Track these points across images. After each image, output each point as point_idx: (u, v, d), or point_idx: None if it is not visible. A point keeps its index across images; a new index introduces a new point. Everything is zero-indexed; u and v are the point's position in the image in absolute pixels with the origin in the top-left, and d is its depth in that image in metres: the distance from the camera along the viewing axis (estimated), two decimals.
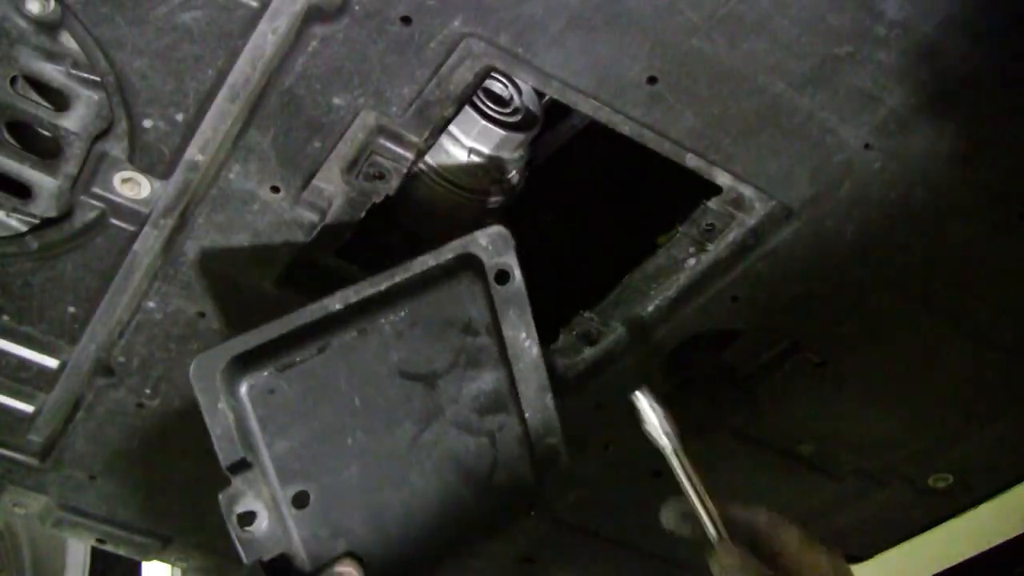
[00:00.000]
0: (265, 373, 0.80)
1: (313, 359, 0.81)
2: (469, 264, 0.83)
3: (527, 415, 0.87)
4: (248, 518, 0.81)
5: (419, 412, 0.86)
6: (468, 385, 0.87)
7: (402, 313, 0.83)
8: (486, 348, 0.86)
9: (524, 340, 0.85)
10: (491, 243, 0.83)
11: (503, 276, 0.83)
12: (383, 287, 0.81)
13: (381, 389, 0.84)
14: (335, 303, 0.80)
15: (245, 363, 0.79)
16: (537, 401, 0.87)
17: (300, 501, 0.83)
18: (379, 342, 0.83)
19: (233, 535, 0.81)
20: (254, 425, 0.81)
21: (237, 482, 0.80)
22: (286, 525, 0.83)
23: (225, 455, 0.79)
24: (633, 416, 0.86)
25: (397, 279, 0.81)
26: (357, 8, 0.72)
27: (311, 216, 0.90)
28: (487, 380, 0.87)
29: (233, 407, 0.79)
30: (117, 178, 0.86)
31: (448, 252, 0.81)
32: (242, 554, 0.82)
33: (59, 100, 0.82)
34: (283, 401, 0.81)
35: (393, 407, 0.85)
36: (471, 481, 0.87)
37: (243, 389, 0.80)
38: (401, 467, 0.86)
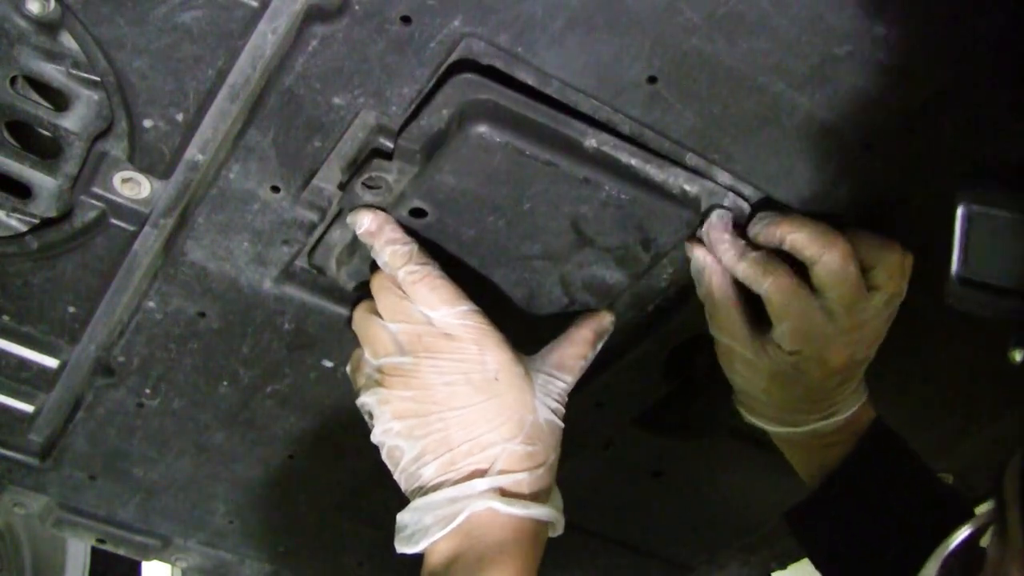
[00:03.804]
0: (497, 138, 0.78)
1: (534, 161, 0.80)
2: (690, 205, 0.85)
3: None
4: (375, 181, 0.83)
5: (554, 248, 0.88)
6: (599, 266, 0.90)
7: (622, 195, 0.83)
8: (639, 261, 0.90)
9: (664, 279, 0.94)
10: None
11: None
12: (633, 163, 0.82)
13: (545, 217, 0.85)
14: (592, 140, 0.80)
15: (499, 115, 0.78)
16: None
17: (417, 214, 0.85)
18: (586, 195, 0.83)
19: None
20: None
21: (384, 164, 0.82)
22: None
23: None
24: None
25: (650, 172, 0.83)
26: (357, 8, 0.72)
27: (311, 216, 0.90)
28: (613, 276, 0.91)
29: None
30: (117, 178, 0.86)
31: (691, 186, 0.84)
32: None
33: (59, 100, 0.82)
34: (475, 166, 0.80)
35: (541, 224, 0.86)
36: (527, 313, 0.95)
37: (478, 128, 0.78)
38: (492, 265, 0.90)
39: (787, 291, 0.85)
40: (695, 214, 0.86)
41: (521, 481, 0.82)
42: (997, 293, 0.67)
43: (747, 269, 0.86)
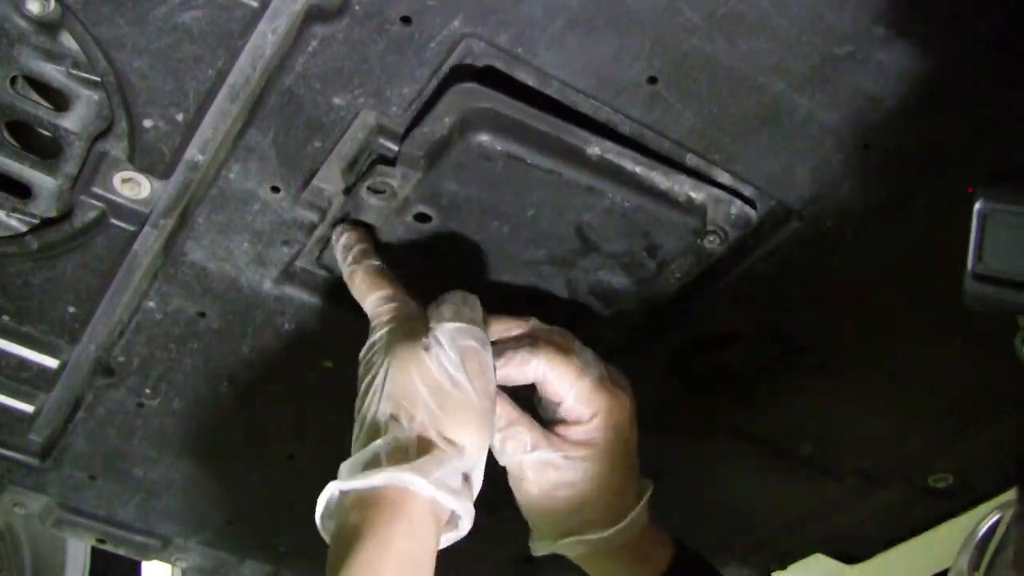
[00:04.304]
0: (498, 147, 0.78)
1: (536, 169, 0.80)
2: (696, 212, 0.85)
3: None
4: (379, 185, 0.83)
5: (559, 253, 0.88)
6: (605, 272, 0.90)
7: (627, 203, 0.82)
8: (646, 267, 0.90)
9: (671, 284, 0.93)
10: (730, 224, 0.86)
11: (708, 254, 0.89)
12: (637, 171, 0.82)
13: (550, 223, 0.85)
14: (596, 148, 0.80)
15: (500, 123, 0.78)
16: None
17: (421, 218, 0.86)
18: (590, 202, 0.83)
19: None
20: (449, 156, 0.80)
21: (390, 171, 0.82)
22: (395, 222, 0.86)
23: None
24: None
25: (655, 180, 0.82)
26: (357, 8, 0.72)
27: (311, 216, 0.90)
28: (619, 282, 0.91)
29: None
30: (117, 178, 0.86)
31: (697, 193, 0.84)
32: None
33: (59, 100, 0.82)
34: (477, 174, 0.80)
35: (546, 230, 0.86)
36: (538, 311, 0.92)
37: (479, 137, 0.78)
38: (497, 270, 0.90)
39: None
40: (701, 221, 0.86)
41: (376, 447, 0.76)
42: (1015, 287, 0.67)
43: None
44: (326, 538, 0.78)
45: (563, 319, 0.94)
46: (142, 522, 1.29)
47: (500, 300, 0.91)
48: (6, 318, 0.99)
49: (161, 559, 1.35)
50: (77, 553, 2.22)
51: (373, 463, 0.76)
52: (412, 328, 0.83)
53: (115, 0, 0.73)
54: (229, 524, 1.30)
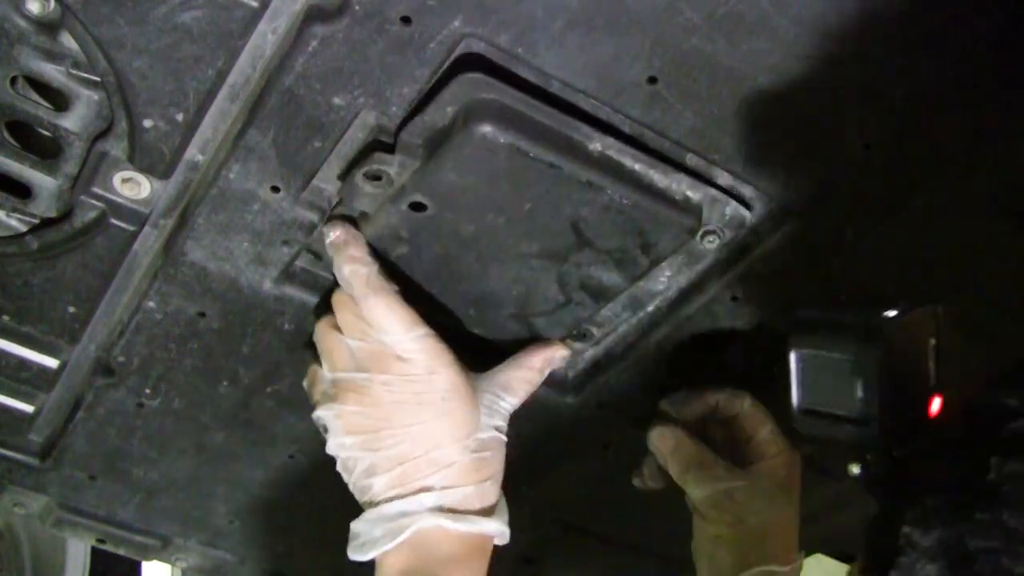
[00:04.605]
0: (501, 139, 0.77)
1: (538, 163, 0.79)
2: (692, 211, 0.85)
3: (599, 322, 1.01)
4: (376, 172, 0.83)
5: (552, 247, 0.89)
6: (597, 267, 0.90)
7: (624, 200, 0.83)
8: (638, 264, 0.90)
9: (662, 282, 0.96)
10: (726, 224, 0.87)
11: (701, 254, 0.92)
12: (637, 168, 0.82)
13: (546, 217, 0.85)
14: (597, 144, 0.80)
15: (504, 115, 0.77)
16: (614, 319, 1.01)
17: (416, 207, 0.84)
18: (588, 198, 0.83)
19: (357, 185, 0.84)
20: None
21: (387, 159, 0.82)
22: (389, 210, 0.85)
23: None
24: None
25: (654, 178, 0.83)
26: (357, 8, 0.72)
27: (311, 216, 0.90)
28: (611, 278, 0.91)
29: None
30: (117, 178, 0.86)
31: (694, 192, 0.85)
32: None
33: (59, 100, 0.82)
34: (478, 165, 0.80)
35: (541, 224, 0.86)
36: (522, 310, 0.94)
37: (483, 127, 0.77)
38: (489, 261, 0.90)
39: None
40: (696, 220, 0.86)
41: (469, 495, 0.85)
42: (834, 420, 0.78)
43: None
44: (378, 556, 0.85)
45: (551, 313, 0.94)
46: (142, 522, 1.29)
47: (489, 291, 0.91)
48: (6, 318, 0.99)
49: (161, 559, 1.35)
50: (77, 553, 2.22)
51: (464, 506, 0.86)
52: (469, 380, 0.88)
53: (115, 0, 0.73)
54: (229, 524, 1.31)
